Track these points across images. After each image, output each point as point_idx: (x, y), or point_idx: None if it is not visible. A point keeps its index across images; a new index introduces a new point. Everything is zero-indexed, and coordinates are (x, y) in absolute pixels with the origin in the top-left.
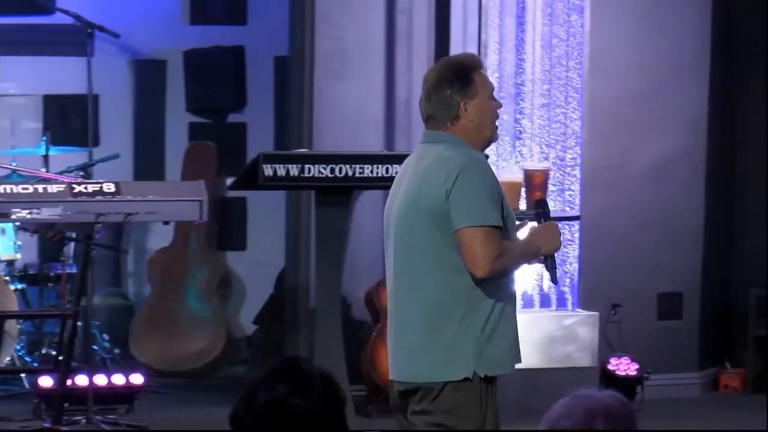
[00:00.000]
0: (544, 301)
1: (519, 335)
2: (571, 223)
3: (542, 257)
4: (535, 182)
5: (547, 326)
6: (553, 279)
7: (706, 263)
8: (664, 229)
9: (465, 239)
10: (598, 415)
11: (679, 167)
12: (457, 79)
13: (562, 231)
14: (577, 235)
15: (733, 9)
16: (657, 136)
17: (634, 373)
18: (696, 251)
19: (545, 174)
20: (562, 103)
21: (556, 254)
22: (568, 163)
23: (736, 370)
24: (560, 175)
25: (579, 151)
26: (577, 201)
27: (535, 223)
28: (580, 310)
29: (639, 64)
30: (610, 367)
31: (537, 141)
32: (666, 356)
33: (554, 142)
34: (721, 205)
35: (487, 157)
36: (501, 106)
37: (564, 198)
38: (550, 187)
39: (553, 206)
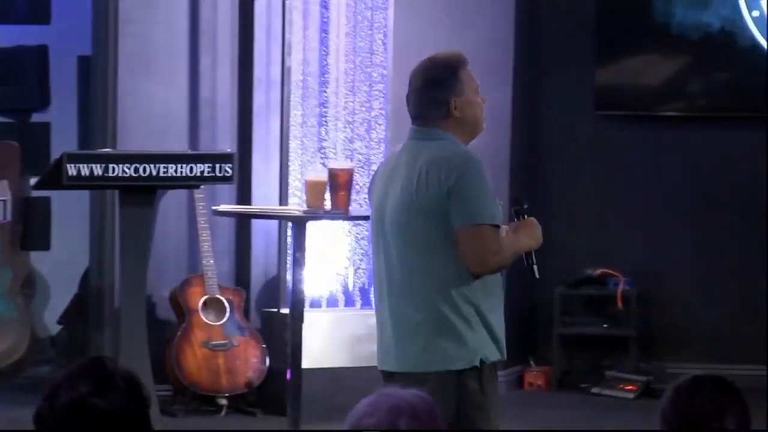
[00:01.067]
0: (349, 300)
1: (326, 334)
2: None
3: (523, 254)
4: (340, 181)
5: (352, 325)
6: (534, 275)
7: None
8: None
9: (466, 237)
10: (401, 413)
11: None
12: (446, 78)
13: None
14: None
15: (537, 9)
16: None
17: None
18: None
19: (350, 173)
20: (367, 103)
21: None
22: (373, 162)
23: (540, 368)
24: (365, 173)
25: (384, 150)
26: None
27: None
28: None
29: None
30: None
31: (342, 140)
32: None
33: (359, 141)
34: None
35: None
36: (485, 100)
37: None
38: (356, 186)
39: (358, 206)
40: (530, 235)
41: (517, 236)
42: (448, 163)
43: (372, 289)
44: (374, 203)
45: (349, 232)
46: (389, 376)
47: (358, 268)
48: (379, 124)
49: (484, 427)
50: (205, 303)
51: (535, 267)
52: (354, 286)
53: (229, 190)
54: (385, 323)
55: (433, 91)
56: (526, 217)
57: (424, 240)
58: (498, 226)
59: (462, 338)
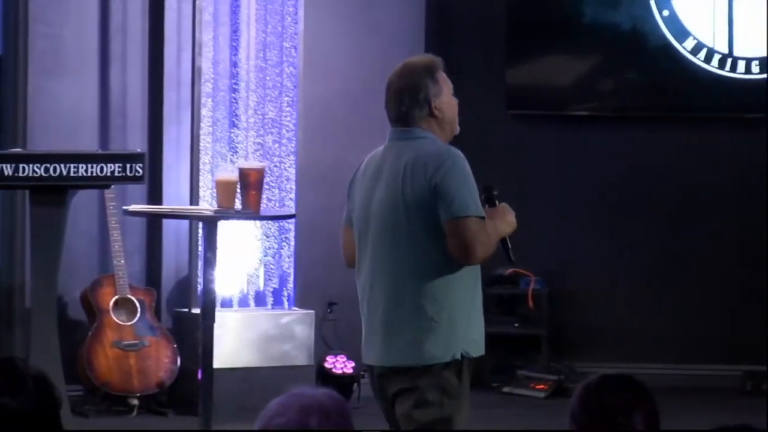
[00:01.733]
0: (260, 300)
1: (237, 334)
2: (287, 221)
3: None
4: (251, 180)
5: (263, 325)
6: (510, 259)
7: None
8: None
9: (455, 229)
10: (312, 412)
11: None
12: (427, 80)
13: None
14: (292, 233)
15: (447, 10)
16: (371, 135)
17: (351, 371)
18: None
19: (260, 172)
20: (277, 103)
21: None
22: (284, 162)
23: None
24: (276, 173)
25: (294, 150)
26: (293, 199)
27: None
28: (296, 309)
29: (352, 64)
30: (326, 365)
31: (252, 140)
32: None
33: (269, 141)
34: None
35: None
36: (458, 102)
37: (280, 196)
38: (266, 186)
39: (270, 205)
40: (506, 220)
41: (495, 223)
42: (434, 159)
43: (358, 287)
44: (357, 203)
45: (263, 232)
46: (371, 370)
47: (269, 267)
48: (290, 124)
49: (456, 417)
50: (116, 303)
51: (510, 252)
52: (265, 286)
53: (139, 189)
54: (370, 319)
55: (415, 92)
56: (497, 203)
57: (410, 236)
58: (483, 218)
59: (445, 333)
